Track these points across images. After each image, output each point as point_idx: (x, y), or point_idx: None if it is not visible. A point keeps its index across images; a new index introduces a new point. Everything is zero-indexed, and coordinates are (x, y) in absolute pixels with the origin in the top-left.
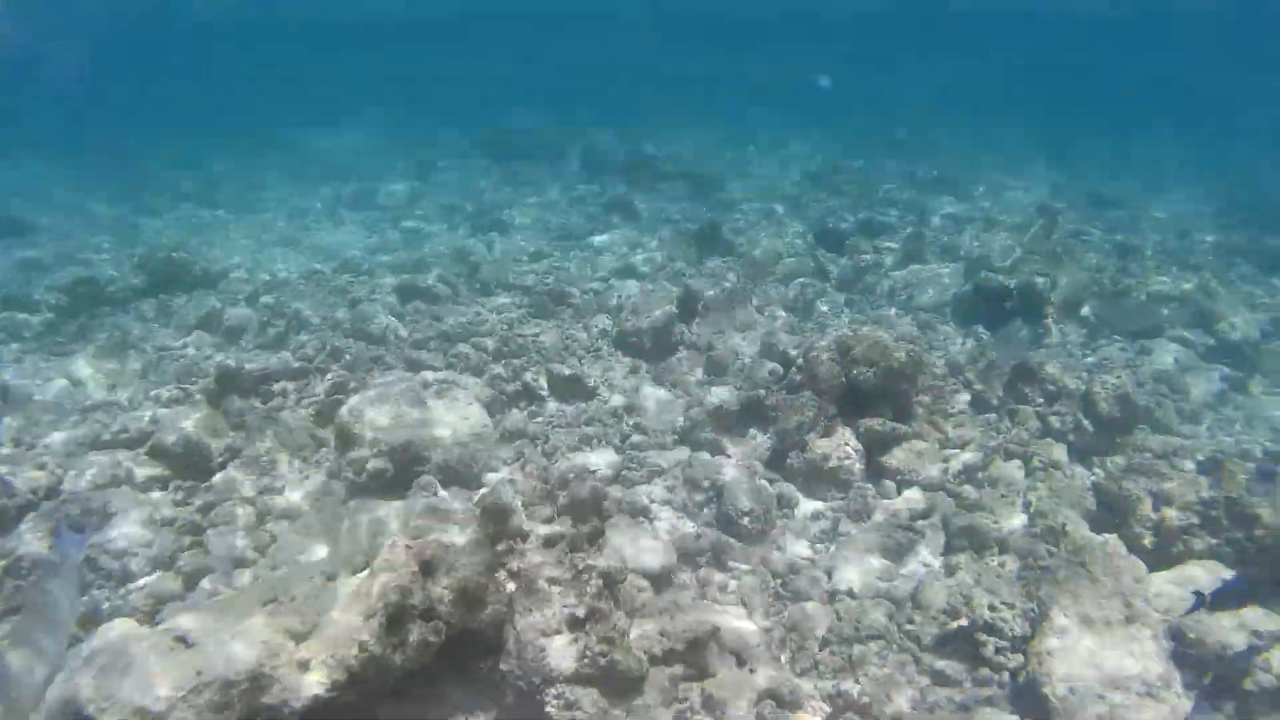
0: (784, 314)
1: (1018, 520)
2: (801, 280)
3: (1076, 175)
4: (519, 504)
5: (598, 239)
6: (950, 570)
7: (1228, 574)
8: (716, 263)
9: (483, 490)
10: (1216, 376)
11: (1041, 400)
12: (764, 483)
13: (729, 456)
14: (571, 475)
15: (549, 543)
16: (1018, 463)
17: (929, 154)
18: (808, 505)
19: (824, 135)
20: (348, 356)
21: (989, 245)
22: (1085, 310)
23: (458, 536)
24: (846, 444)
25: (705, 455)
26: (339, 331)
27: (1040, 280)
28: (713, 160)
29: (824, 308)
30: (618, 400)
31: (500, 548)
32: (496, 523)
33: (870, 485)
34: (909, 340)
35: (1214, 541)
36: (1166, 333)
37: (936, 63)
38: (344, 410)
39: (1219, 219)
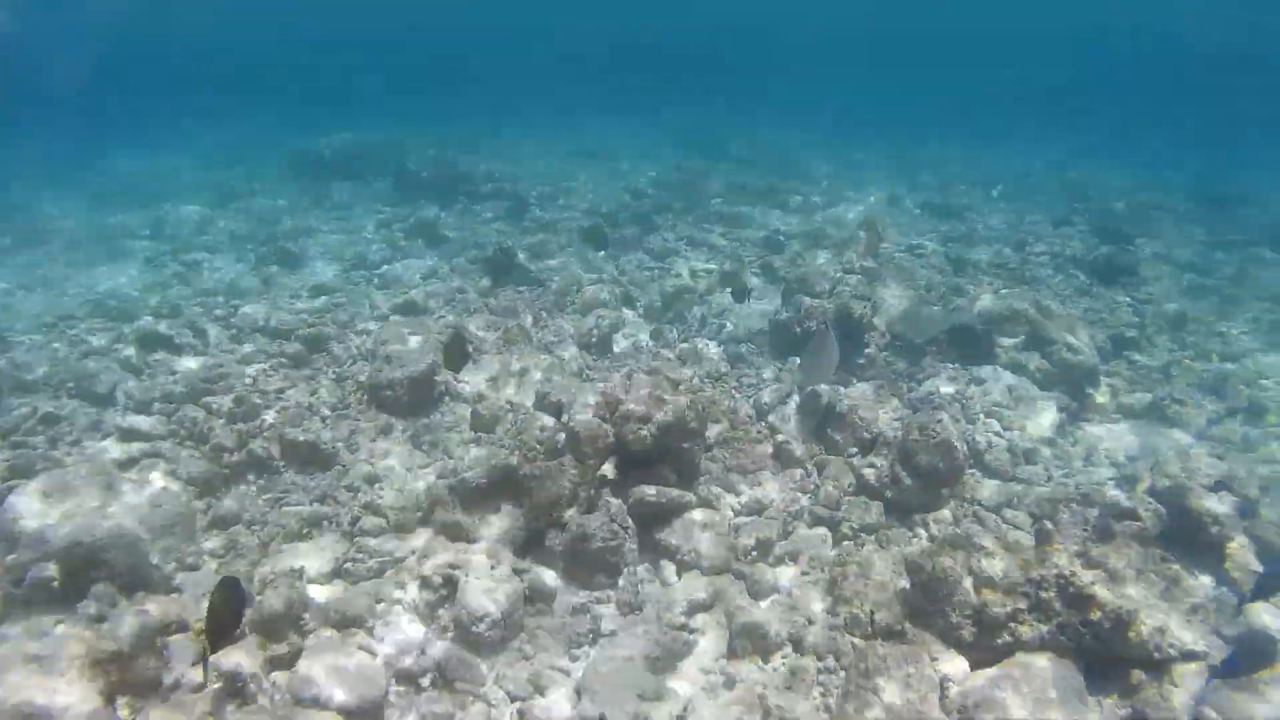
0: (575, 352)
1: (818, 607)
2: (599, 312)
3: (919, 186)
4: None
5: (393, 269)
6: (729, 684)
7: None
8: (510, 293)
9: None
10: (1054, 405)
11: (855, 449)
12: (511, 575)
13: (474, 542)
14: (271, 579)
15: None
16: (824, 531)
17: (774, 168)
18: (568, 598)
19: (666, 147)
20: (64, 424)
21: (810, 264)
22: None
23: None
24: (613, 520)
25: (444, 542)
26: (64, 391)
27: (858, 304)
28: (540, 174)
29: (624, 342)
30: (359, 471)
31: None
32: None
33: (644, 569)
34: (710, 379)
35: (1045, 629)
36: (1000, 358)
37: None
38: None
39: (1060, 228)
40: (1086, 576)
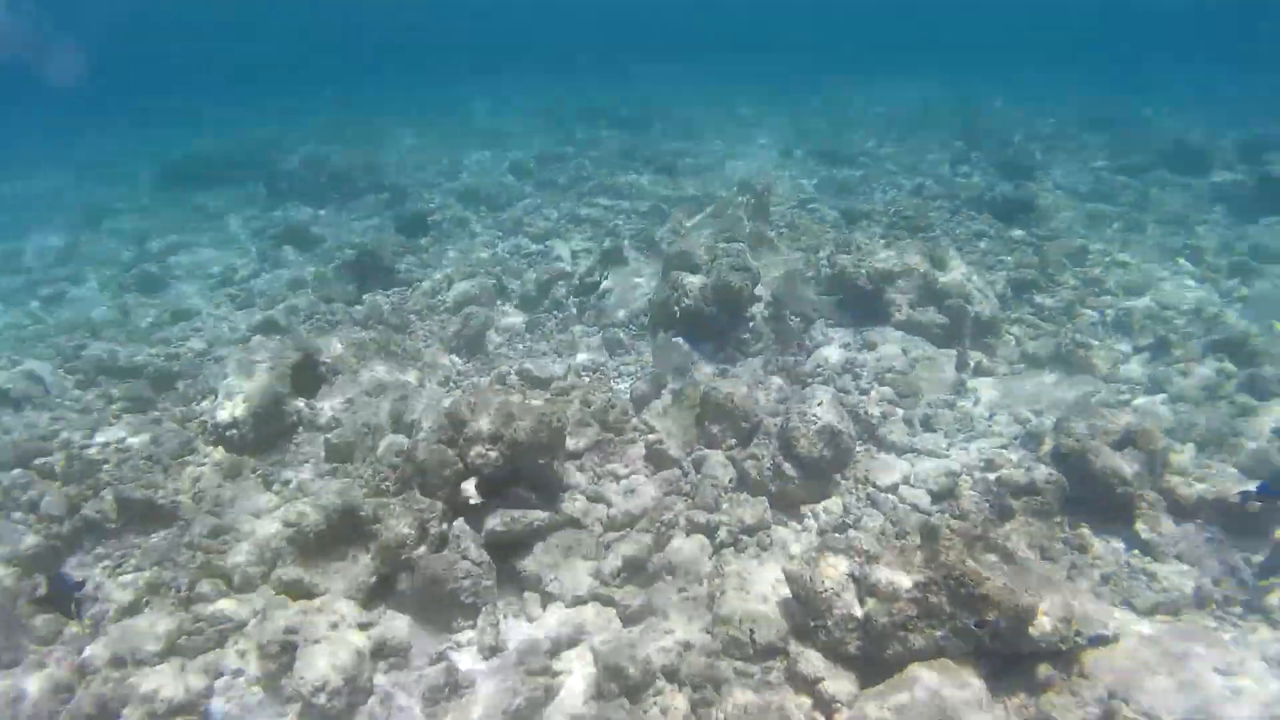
0: (446, 361)
1: (697, 628)
2: (468, 310)
3: (812, 133)
4: None
5: (259, 282)
6: None
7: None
8: (376, 299)
9: None
10: (952, 363)
11: (734, 441)
12: (356, 631)
13: (315, 597)
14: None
15: None
16: (701, 540)
17: (667, 131)
18: (424, 645)
19: (558, 119)
20: None
21: (690, 236)
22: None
23: None
24: (465, 556)
25: (284, 601)
26: None
27: (737, 276)
28: (422, 160)
29: (496, 339)
30: (203, 524)
31: None
32: None
33: (505, 604)
34: (574, 382)
35: (939, 635)
36: (893, 319)
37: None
38: None
39: (958, 166)
40: (978, 574)
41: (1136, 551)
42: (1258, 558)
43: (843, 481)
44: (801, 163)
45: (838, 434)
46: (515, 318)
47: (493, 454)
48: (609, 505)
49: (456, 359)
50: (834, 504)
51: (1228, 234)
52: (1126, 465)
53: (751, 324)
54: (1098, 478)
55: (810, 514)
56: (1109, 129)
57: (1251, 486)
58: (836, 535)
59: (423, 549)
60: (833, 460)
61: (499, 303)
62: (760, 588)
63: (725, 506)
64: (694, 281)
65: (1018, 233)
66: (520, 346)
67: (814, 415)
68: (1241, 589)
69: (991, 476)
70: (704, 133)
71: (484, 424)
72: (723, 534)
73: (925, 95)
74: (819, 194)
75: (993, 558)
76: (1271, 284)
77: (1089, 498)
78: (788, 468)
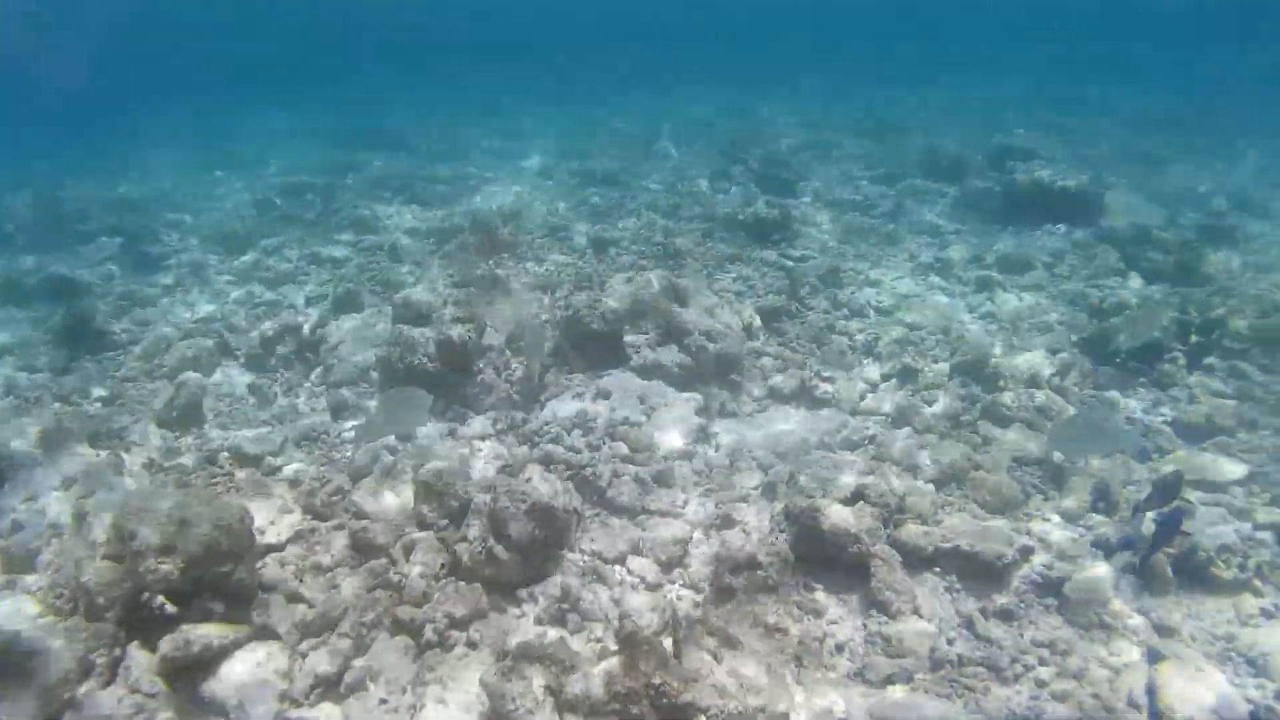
0: (156, 438)
1: None
2: (184, 375)
3: (579, 153)
4: None
5: None
6: None
7: None
8: (84, 369)
9: None
10: (693, 407)
11: (446, 521)
12: None
13: None
14: None
15: None
16: (405, 642)
17: (435, 150)
18: None
19: (319, 141)
20: None
21: (422, 279)
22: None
23: None
24: (136, 689)
25: None
26: None
27: (459, 329)
28: (167, 194)
29: (216, 407)
30: None
31: None
32: None
33: None
34: (288, 458)
35: None
36: (632, 362)
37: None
38: None
39: (717, 182)
40: (677, 686)
41: (874, 612)
42: (1001, 600)
43: (568, 555)
44: (563, 184)
45: (551, 511)
46: (240, 379)
47: (165, 568)
48: (310, 605)
49: (168, 434)
50: (552, 586)
51: (978, 244)
52: (858, 521)
53: (480, 377)
54: (828, 538)
55: (529, 597)
56: (878, 137)
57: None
58: (546, 632)
59: (90, 684)
60: (548, 539)
61: (222, 363)
62: (463, 696)
63: (435, 598)
64: (417, 335)
65: (771, 254)
66: (241, 414)
67: (523, 493)
68: (980, 643)
69: (714, 548)
70: (470, 152)
71: (152, 535)
72: (429, 632)
73: (714, 105)
74: (574, 219)
75: (712, 643)
76: (1075, 418)
77: (822, 558)
78: (499, 550)
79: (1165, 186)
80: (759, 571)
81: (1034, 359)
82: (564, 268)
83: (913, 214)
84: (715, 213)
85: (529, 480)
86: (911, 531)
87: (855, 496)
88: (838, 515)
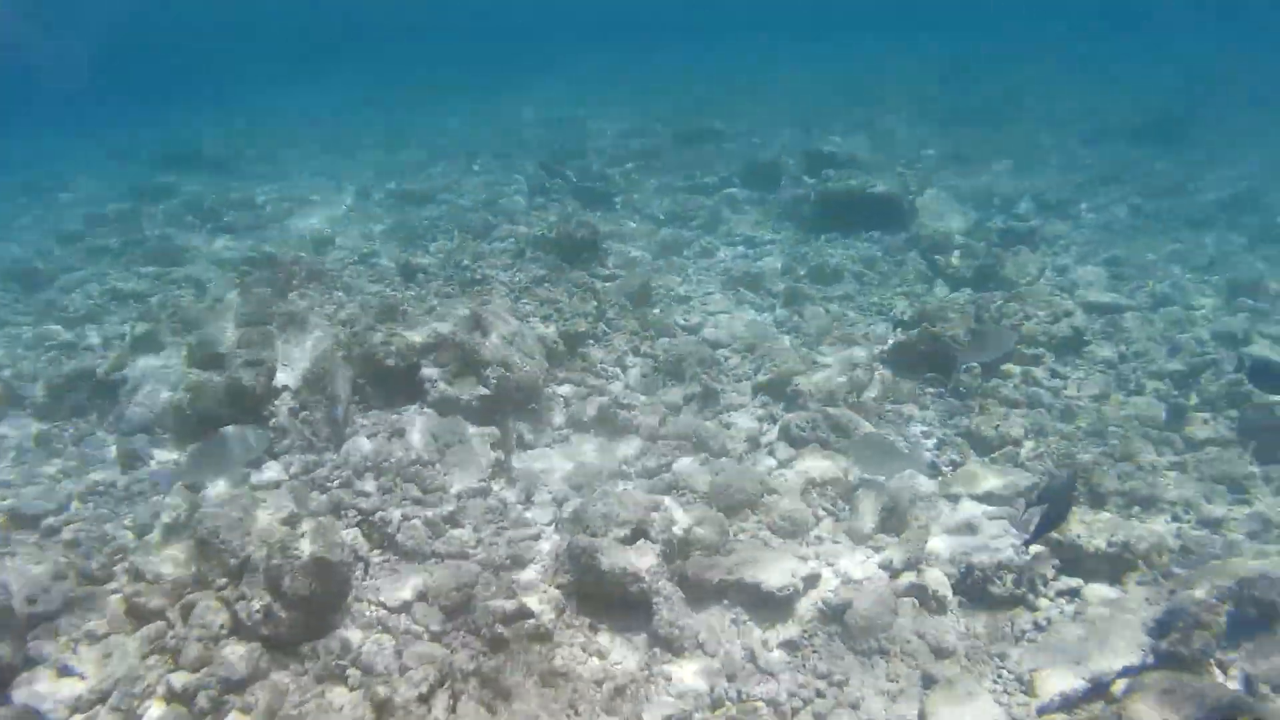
0: None
1: None
2: None
3: (397, 169)
4: None
5: None
6: None
7: None
8: None
9: None
10: (488, 442)
11: (224, 580)
12: None
13: None
14: None
15: None
16: (177, 712)
17: (255, 170)
18: None
19: (134, 164)
20: None
21: (216, 320)
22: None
23: None
24: None
25: None
26: None
27: (249, 372)
28: None
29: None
30: None
31: None
32: None
33: None
34: (71, 516)
35: None
36: (429, 397)
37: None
38: None
39: (535, 199)
40: None
41: (657, 651)
42: (786, 630)
43: (355, 606)
44: (382, 203)
45: (327, 564)
46: (28, 430)
47: None
48: (84, 678)
49: None
50: (334, 641)
51: (791, 255)
52: (639, 558)
53: (273, 420)
54: (608, 577)
55: (311, 653)
56: (699, 143)
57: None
58: (323, 690)
59: None
60: (328, 592)
61: (8, 414)
62: None
63: (214, 661)
64: (207, 379)
65: (581, 275)
66: (24, 469)
67: (296, 549)
68: (761, 677)
69: (493, 594)
70: (291, 172)
71: None
72: (202, 700)
73: (545, 105)
74: (386, 242)
75: (488, 694)
76: (869, 436)
77: (604, 597)
78: (277, 608)
79: (981, 187)
80: (529, 620)
81: (832, 375)
82: (368, 298)
83: (729, 225)
84: (529, 232)
85: (303, 535)
86: (698, 564)
87: (636, 534)
88: (617, 554)
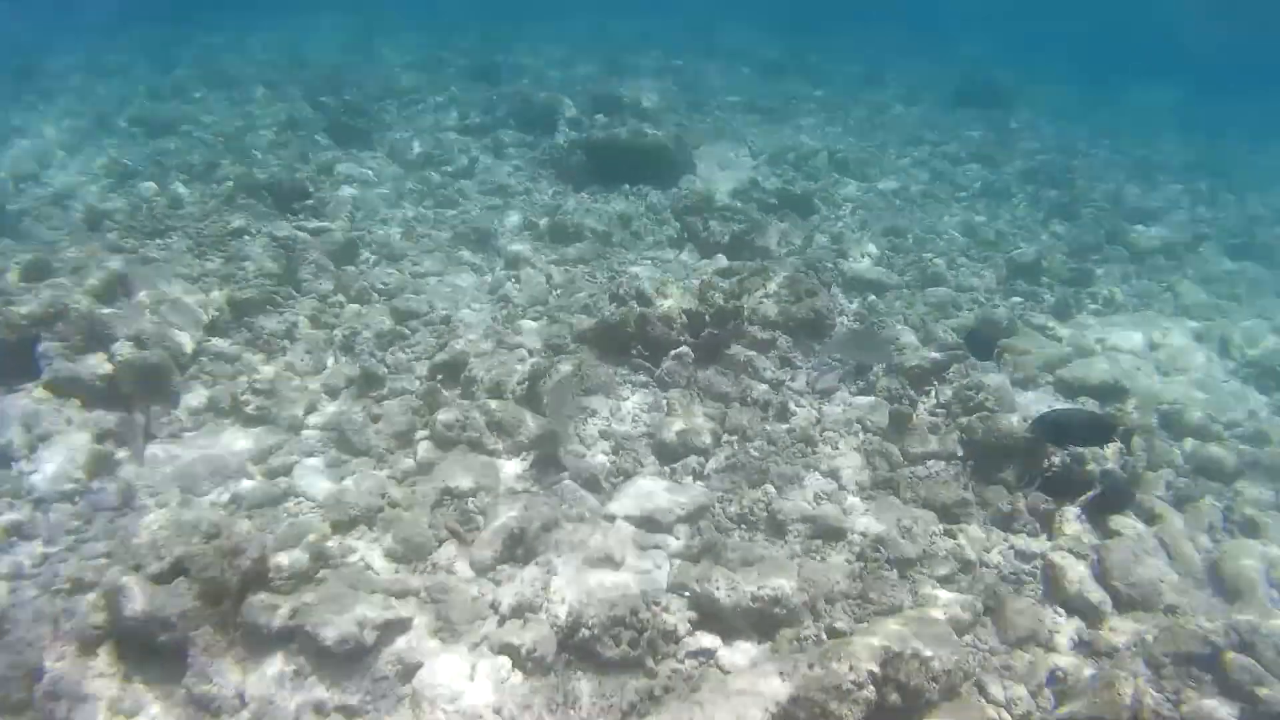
0: None
1: None
2: None
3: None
4: None
5: None
6: None
7: None
8: None
9: None
10: (90, 436)
11: None
12: None
13: None
14: None
15: None
16: None
17: None
18: None
19: None
20: None
21: None
22: None
23: None
24: None
25: None
26: None
27: None
28: None
29: None
30: None
31: None
32: None
33: None
34: None
35: None
36: (44, 376)
37: None
38: None
39: (287, 132)
40: None
41: (193, 710)
42: (349, 692)
43: None
44: (121, 134)
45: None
46: None
47: None
48: None
49: None
50: None
51: (538, 208)
52: (169, 599)
53: None
54: (134, 622)
55: None
56: (493, 80)
57: None
58: None
59: None
60: None
61: None
62: None
63: None
64: None
65: (285, 227)
66: None
67: None
68: None
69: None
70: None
71: None
72: None
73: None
74: (93, 181)
75: None
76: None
77: (143, 646)
78: None
79: (780, 143)
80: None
81: (511, 359)
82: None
83: (488, 172)
84: (246, 173)
85: None
86: (259, 604)
87: (175, 571)
88: (141, 590)
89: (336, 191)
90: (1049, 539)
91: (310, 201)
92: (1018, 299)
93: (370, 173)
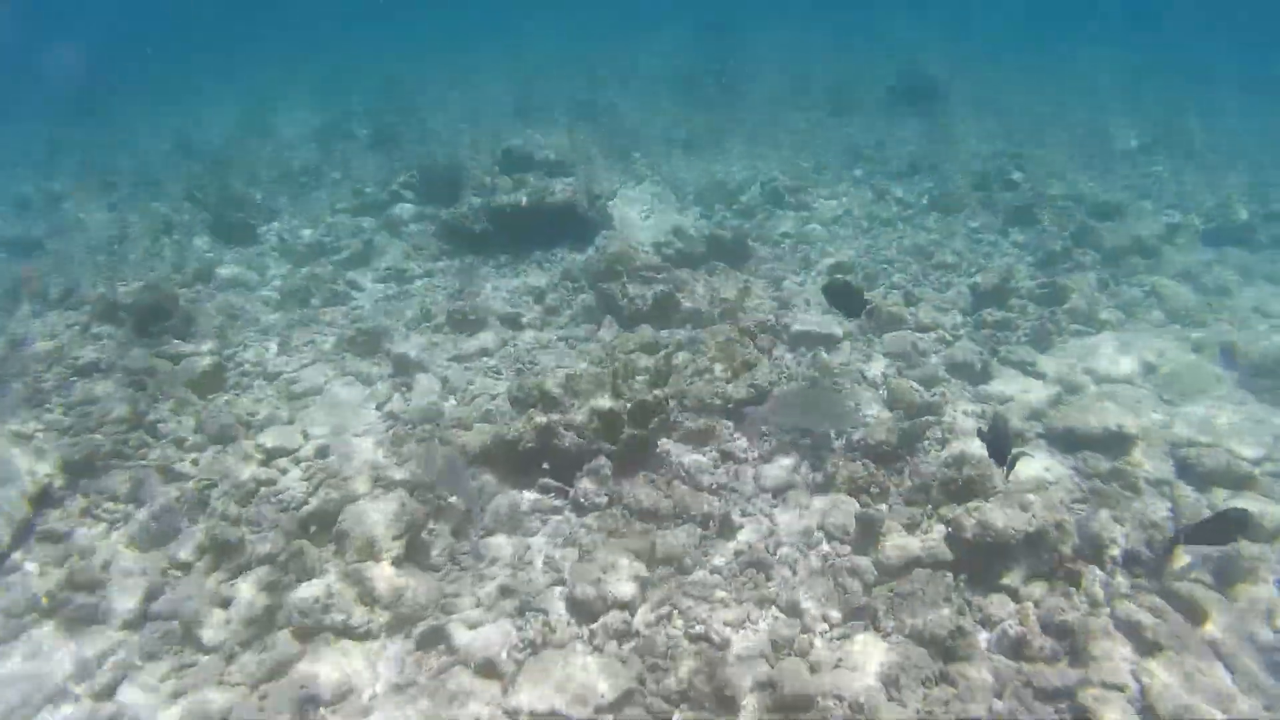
0: None
1: None
2: None
3: None
4: None
5: None
6: None
7: None
8: None
9: None
10: None
11: None
12: None
13: None
14: None
15: None
16: None
17: None
18: None
19: None
20: None
21: None
22: None
23: None
24: None
25: None
26: None
27: None
28: None
29: None
30: None
31: None
32: None
33: None
34: None
35: None
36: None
37: None
38: None
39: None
40: None
41: None
42: None
43: None
44: None
45: None
46: None
47: None
48: None
49: None
50: None
51: (441, 291)
52: None
53: None
54: None
55: None
56: (390, 147)
57: None
58: None
59: None
60: None
61: None
62: None
63: None
64: None
65: (139, 354)
66: None
67: None
68: None
69: None
70: None
71: None
72: None
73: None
74: None
75: None
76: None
77: None
78: None
79: (708, 178)
80: None
81: (389, 507)
82: None
83: (383, 255)
84: (106, 295)
85: None
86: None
87: None
88: None
89: (211, 301)
90: (1078, 665)
91: (173, 321)
92: (988, 331)
93: (254, 274)
